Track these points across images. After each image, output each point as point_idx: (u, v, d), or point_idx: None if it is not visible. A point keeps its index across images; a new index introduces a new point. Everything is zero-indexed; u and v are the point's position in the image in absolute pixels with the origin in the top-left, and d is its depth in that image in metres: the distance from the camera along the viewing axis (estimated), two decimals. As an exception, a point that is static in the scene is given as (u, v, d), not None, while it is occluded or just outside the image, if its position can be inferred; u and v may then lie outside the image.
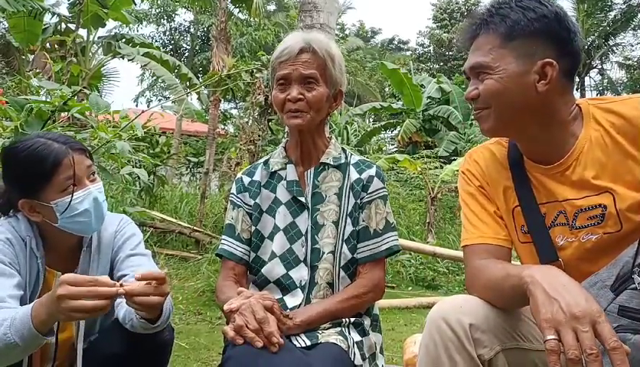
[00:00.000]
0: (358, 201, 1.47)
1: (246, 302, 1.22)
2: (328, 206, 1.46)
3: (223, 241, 1.51)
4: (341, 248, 1.44)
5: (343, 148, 1.56)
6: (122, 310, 1.25)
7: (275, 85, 1.44)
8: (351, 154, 1.56)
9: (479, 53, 1.11)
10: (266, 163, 1.56)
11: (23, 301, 1.24)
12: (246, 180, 1.54)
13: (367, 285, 1.42)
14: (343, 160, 1.51)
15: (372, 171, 1.49)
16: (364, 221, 1.47)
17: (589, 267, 1.08)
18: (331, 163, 1.50)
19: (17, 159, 1.29)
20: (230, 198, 1.55)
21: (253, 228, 1.49)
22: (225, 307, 1.24)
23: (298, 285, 1.42)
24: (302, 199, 1.46)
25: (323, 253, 1.43)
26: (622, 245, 1.03)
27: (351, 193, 1.48)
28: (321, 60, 1.41)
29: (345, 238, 1.45)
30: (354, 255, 1.45)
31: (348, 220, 1.46)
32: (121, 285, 1.07)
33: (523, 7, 1.08)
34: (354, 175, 1.49)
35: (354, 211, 1.46)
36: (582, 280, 1.05)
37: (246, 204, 1.51)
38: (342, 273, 1.43)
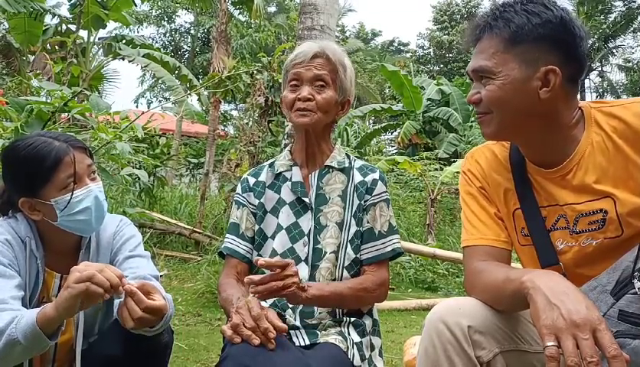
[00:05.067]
0: (362, 202, 1.49)
1: (242, 300, 1.23)
2: (331, 207, 1.48)
3: (226, 239, 1.53)
4: (345, 248, 1.45)
5: (347, 153, 1.59)
6: (122, 311, 1.25)
7: (287, 86, 1.49)
8: (355, 159, 1.59)
9: (482, 56, 1.09)
10: (271, 165, 1.59)
11: (23, 303, 1.24)
12: (252, 180, 1.56)
13: (376, 282, 1.43)
14: (347, 165, 1.54)
15: (376, 175, 1.52)
16: (368, 223, 1.48)
17: (589, 272, 1.08)
18: (336, 166, 1.52)
19: (17, 157, 1.29)
20: (235, 198, 1.57)
21: (257, 227, 1.50)
22: (231, 309, 1.26)
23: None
24: (306, 199, 1.48)
25: (325, 253, 1.43)
26: (623, 250, 1.02)
27: (354, 195, 1.49)
28: (333, 65, 1.47)
29: (350, 238, 1.46)
30: (358, 255, 1.46)
31: (352, 221, 1.47)
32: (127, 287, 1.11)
33: (528, 11, 1.05)
34: (357, 177, 1.52)
35: (358, 212, 1.48)
36: (581, 285, 1.04)
37: (250, 204, 1.53)
38: (345, 273, 1.44)
